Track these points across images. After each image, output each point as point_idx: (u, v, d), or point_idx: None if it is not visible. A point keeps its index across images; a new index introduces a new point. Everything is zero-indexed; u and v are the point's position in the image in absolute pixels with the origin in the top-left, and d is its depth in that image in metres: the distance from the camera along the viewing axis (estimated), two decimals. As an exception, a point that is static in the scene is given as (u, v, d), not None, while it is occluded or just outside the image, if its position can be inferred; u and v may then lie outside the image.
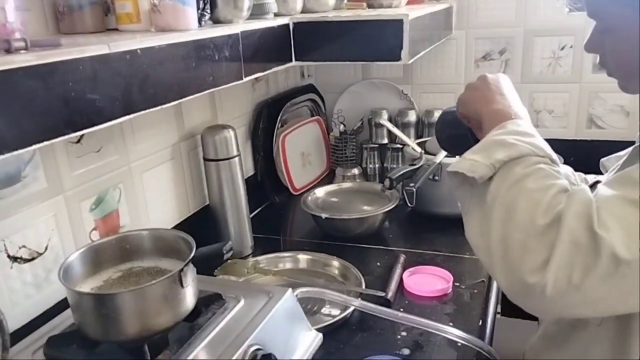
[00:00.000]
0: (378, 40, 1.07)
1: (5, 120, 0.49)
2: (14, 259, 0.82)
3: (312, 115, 1.74)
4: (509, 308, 1.24)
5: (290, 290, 0.83)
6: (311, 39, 1.11)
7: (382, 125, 1.69)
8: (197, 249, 0.73)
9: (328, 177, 1.72)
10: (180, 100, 0.77)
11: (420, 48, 1.18)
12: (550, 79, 1.60)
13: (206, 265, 0.99)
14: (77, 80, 0.58)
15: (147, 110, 0.71)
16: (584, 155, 1.59)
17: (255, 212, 1.47)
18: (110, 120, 0.65)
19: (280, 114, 1.52)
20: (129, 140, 1.02)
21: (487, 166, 0.64)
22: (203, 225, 1.20)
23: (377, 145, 1.71)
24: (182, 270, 0.70)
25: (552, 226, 0.57)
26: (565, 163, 1.50)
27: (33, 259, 0.85)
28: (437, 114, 1.67)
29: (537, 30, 1.57)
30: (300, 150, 1.63)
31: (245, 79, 0.94)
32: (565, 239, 0.56)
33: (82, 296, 0.68)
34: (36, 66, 0.53)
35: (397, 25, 1.04)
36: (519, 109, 0.75)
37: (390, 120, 1.69)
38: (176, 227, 1.16)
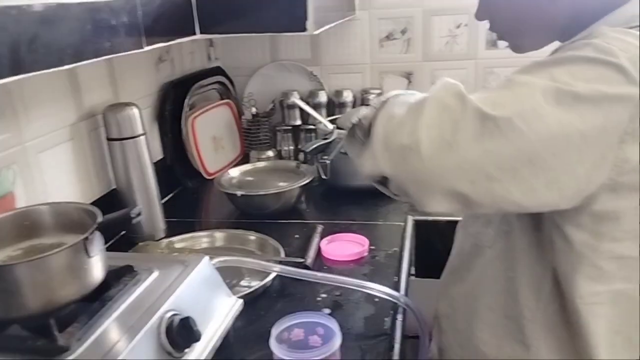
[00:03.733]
0: (283, 11, 1.07)
1: None
2: None
3: (222, 99, 1.71)
4: (423, 269, 1.29)
5: (207, 257, 0.81)
6: (215, 11, 1.09)
7: (294, 107, 1.70)
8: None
9: (243, 162, 1.70)
10: (75, 64, 0.73)
11: (324, 20, 1.20)
12: (448, 56, 1.69)
13: (116, 237, 0.94)
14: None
15: (38, 72, 0.67)
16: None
17: (168, 197, 1.43)
18: (-5, 78, 0.60)
19: (188, 96, 1.48)
20: (21, 117, 0.94)
21: (372, 108, 0.74)
22: (110, 209, 1.13)
23: (290, 127, 1.72)
24: (87, 238, 0.66)
25: (422, 101, 0.65)
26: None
27: None
28: (345, 94, 1.71)
29: (434, 9, 1.65)
30: (211, 134, 1.60)
31: (147, 48, 0.91)
32: (432, 103, 0.63)
33: (-26, 272, 0.62)
34: None
35: (301, -5, 1.05)
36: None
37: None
38: (81, 212, 1.09)
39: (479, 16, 0.80)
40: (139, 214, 0.69)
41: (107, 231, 0.70)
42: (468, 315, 0.81)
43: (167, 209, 1.27)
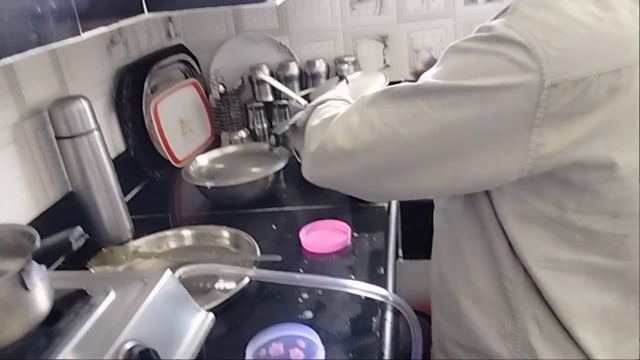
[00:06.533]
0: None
1: None
2: None
3: (186, 78, 1.60)
4: (410, 251, 1.22)
5: (168, 271, 0.72)
6: (162, -15, 0.97)
7: (264, 82, 1.59)
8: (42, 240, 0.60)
9: (214, 144, 1.60)
10: (-6, 64, 0.63)
11: (287, -12, 1.09)
12: (425, 15, 1.58)
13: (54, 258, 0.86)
14: None
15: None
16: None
17: (134, 192, 1.33)
18: None
19: (148, 79, 1.37)
20: (-51, 124, 0.84)
21: (305, 112, 0.90)
22: (69, 215, 1.04)
23: (262, 104, 1.61)
24: (22, 270, 0.57)
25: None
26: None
27: None
28: (318, 64, 1.60)
29: (407, -34, 1.53)
30: (177, 117, 1.49)
31: (85, 35, 0.80)
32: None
33: None
34: None
35: (257, -39, 0.94)
36: None
37: (272, 75, 1.59)
38: (35, 221, 0.99)
39: None
40: (81, 236, 0.60)
41: (47, 257, 0.60)
42: (454, 290, 0.80)
43: (134, 205, 1.18)
